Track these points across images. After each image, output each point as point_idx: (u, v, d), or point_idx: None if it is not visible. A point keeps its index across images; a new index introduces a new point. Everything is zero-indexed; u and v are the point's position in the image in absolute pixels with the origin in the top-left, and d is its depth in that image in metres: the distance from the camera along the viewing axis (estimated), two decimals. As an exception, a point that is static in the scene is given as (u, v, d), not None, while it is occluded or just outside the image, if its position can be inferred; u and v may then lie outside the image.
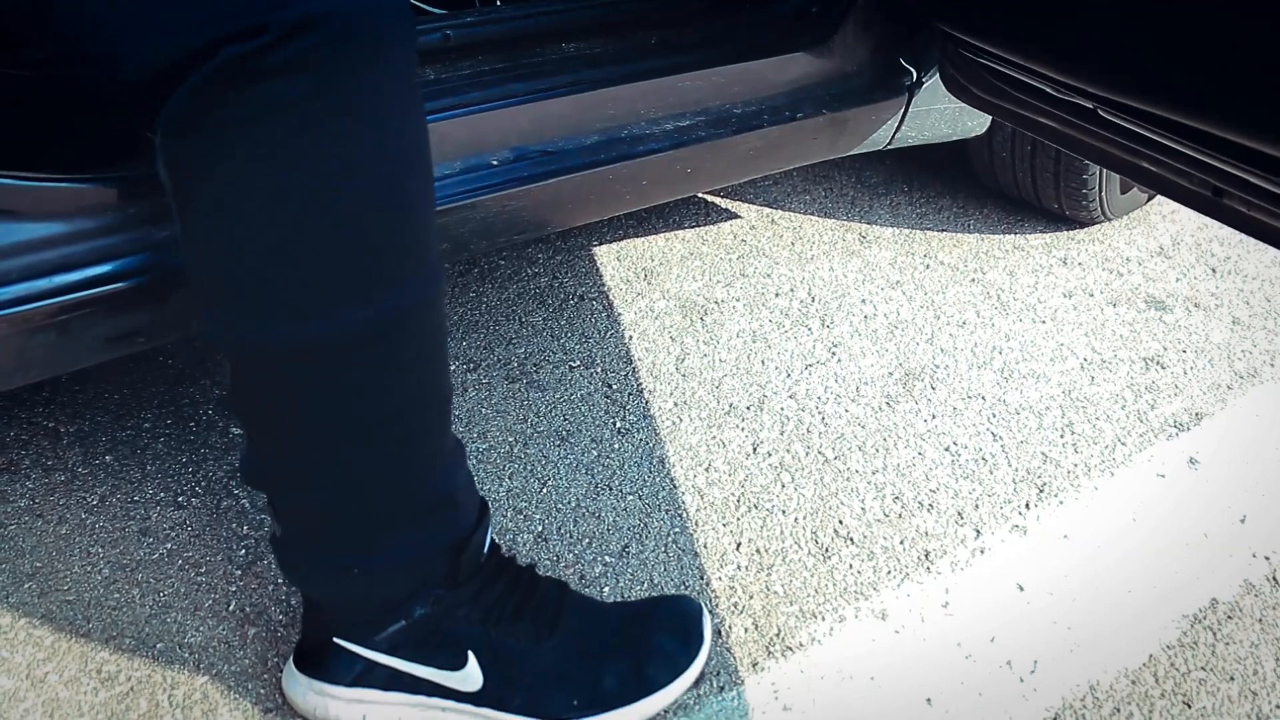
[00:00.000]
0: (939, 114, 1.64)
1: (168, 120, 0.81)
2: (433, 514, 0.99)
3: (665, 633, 1.10)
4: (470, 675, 1.03)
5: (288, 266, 0.84)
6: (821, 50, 1.48)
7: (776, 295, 1.77)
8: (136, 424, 1.45)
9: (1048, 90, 1.22)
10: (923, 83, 1.58)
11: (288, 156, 0.81)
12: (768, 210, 2.03)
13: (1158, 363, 1.67)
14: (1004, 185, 2.03)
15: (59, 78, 0.99)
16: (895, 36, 1.55)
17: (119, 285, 1.03)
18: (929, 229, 2.01)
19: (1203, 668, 1.18)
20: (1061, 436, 1.51)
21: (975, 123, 1.74)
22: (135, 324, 1.07)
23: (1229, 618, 1.24)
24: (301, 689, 1.04)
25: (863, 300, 1.78)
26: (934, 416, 1.53)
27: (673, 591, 1.23)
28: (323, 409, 0.91)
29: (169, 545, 1.26)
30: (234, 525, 1.29)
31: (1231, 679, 1.16)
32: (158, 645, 1.14)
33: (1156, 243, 2.01)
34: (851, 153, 1.58)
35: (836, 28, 1.49)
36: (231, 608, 1.18)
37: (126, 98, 0.84)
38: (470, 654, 1.03)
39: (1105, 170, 1.91)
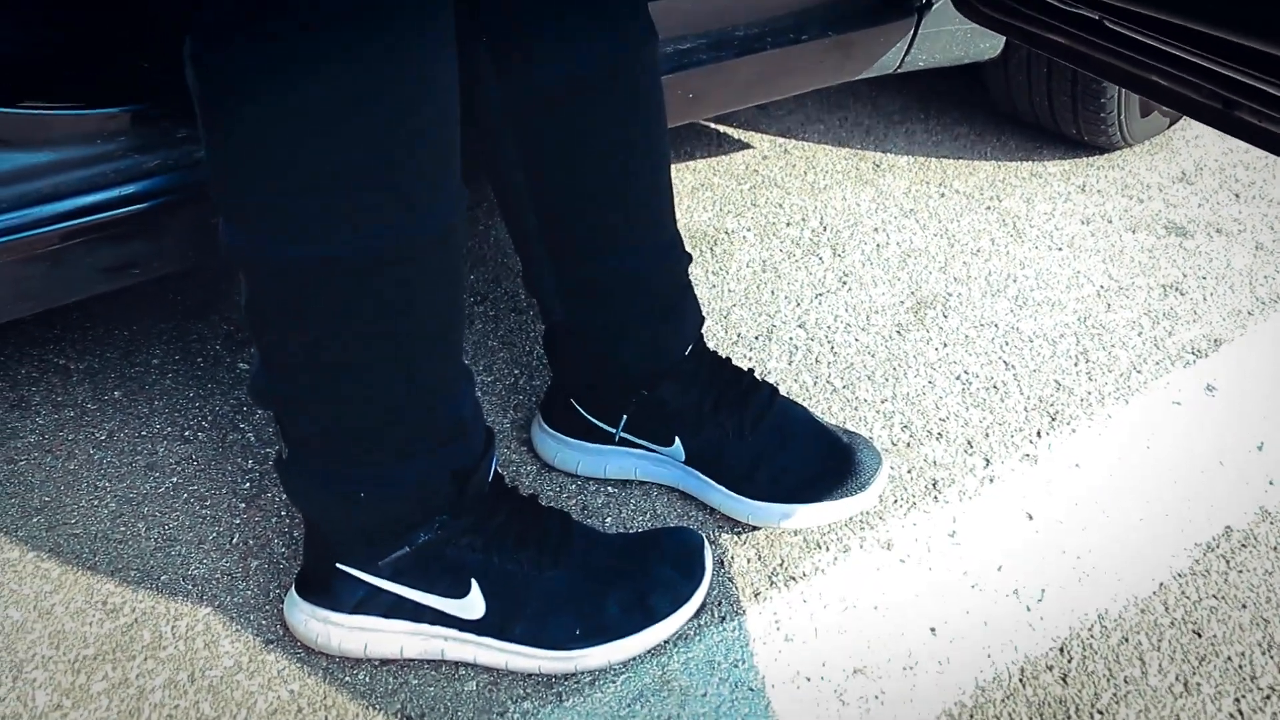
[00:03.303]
0: (949, 36, 1.60)
1: (201, 29, 0.81)
2: (441, 439, 0.99)
3: (667, 563, 1.10)
4: (472, 603, 1.03)
5: (314, 183, 0.84)
6: (829, -30, 1.44)
7: (788, 225, 1.75)
8: (145, 360, 1.45)
9: (1055, 4, 1.18)
10: (932, 3, 1.54)
11: (321, 72, 0.81)
12: (780, 140, 2.00)
13: (1177, 289, 1.64)
14: (1021, 111, 1.99)
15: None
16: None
17: (112, 214, 1.02)
18: (944, 157, 1.97)
19: (1214, 595, 1.16)
20: (1075, 364, 1.48)
21: (988, 44, 1.69)
22: (129, 255, 1.07)
23: (1243, 545, 1.22)
24: (303, 616, 1.05)
25: (875, 229, 1.75)
26: (945, 345, 1.51)
27: (675, 523, 1.22)
28: (338, 327, 0.91)
29: (175, 479, 1.26)
30: (239, 459, 1.29)
31: (1244, 606, 1.15)
32: (161, 578, 1.14)
33: (1179, 168, 1.97)
34: (859, 77, 1.55)
35: (844, -54, 1.45)
36: (235, 540, 1.19)
37: (163, 8, 0.84)
38: (473, 581, 1.03)
39: (1124, 93, 1.87)
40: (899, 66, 1.58)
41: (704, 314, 1.23)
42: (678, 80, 1.30)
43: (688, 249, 1.44)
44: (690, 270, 1.62)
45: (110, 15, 1.09)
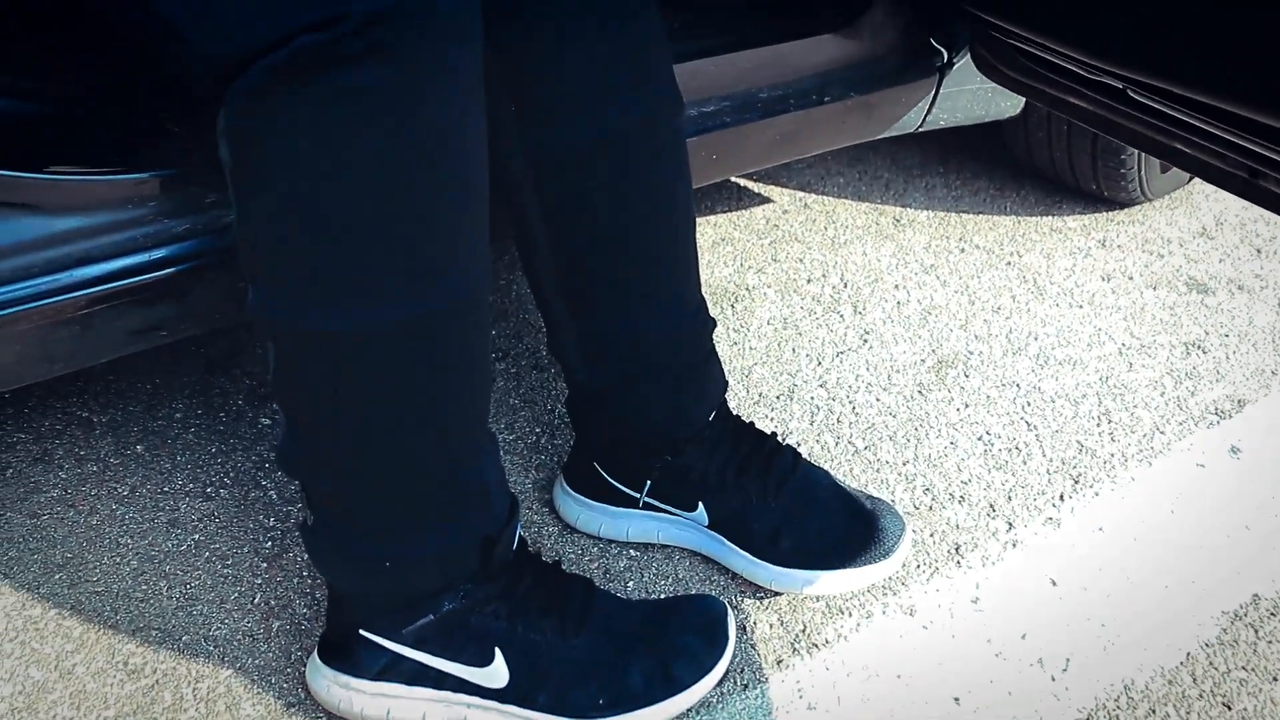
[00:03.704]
0: (971, 95, 1.61)
1: (236, 99, 0.82)
2: (466, 507, 0.99)
3: (690, 631, 1.09)
4: (496, 671, 1.03)
5: (342, 252, 0.85)
6: (850, 32, 1.45)
7: (808, 281, 1.75)
8: (168, 414, 1.45)
9: (1078, 71, 1.19)
10: (954, 63, 1.55)
11: (352, 141, 0.82)
12: (800, 194, 2.01)
13: (1199, 347, 1.64)
14: (1040, 166, 2.00)
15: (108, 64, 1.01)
16: (925, 16, 1.52)
17: (142, 279, 1.03)
18: (964, 211, 1.98)
19: (1243, 667, 1.15)
20: (1098, 425, 1.48)
21: (1009, 103, 1.70)
22: (158, 317, 1.08)
23: (1272, 614, 1.21)
24: (325, 682, 1.05)
25: (896, 286, 1.75)
26: (967, 405, 1.50)
27: (698, 587, 1.21)
28: (364, 397, 0.91)
29: (197, 536, 1.26)
30: (261, 517, 1.29)
31: (1275, 679, 1.14)
32: (183, 638, 1.14)
33: (1199, 223, 1.97)
34: (881, 136, 1.55)
35: (865, 8, 1.46)
36: (256, 600, 1.19)
37: (193, 79, 0.85)
38: (497, 650, 1.03)
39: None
40: (920, 126, 1.59)
41: (726, 375, 1.24)
42: (701, 142, 1.30)
43: (710, 307, 1.45)
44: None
45: (142, 80, 1.10)
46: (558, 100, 1.02)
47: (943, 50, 1.54)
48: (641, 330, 1.13)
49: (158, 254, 1.03)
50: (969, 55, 1.50)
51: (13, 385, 1.07)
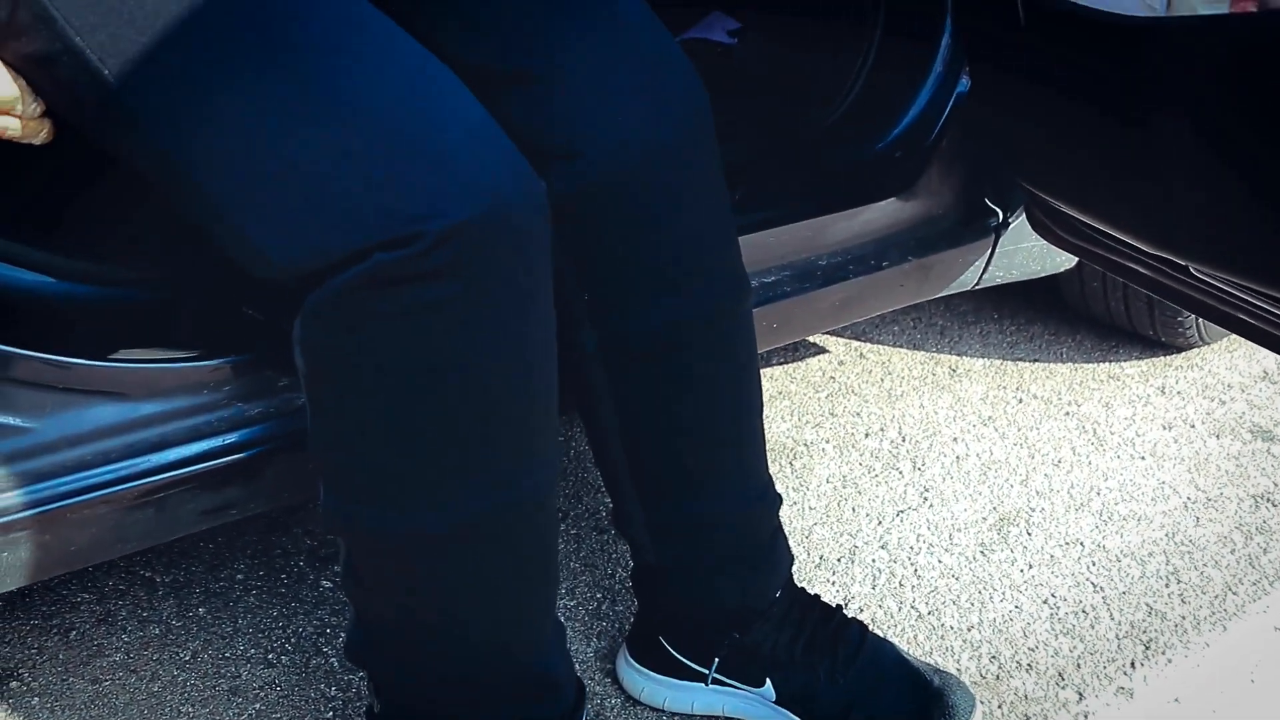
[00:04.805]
0: (1027, 252, 1.62)
1: (310, 311, 0.84)
2: (534, 699, 0.99)
3: None
4: None
5: (413, 456, 0.87)
6: (906, 196, 1.47)
7: (866, 436, 1.75)
8: (230, 575, 1.46)
9: (1137, 251, 1.20)
10: (1009, 223, 1.56)
11: (425, 351, 0.84)
12: (856, 343, 2.02)
13: (1268, 500, 1.61)
14: (1096, 313, 2.00)
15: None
16: (980, 177, 1.54)
17: (216, 463, 1.05)
18: (1020, 359, 1.98)
19: None
20: (1166, 585, 1.45)
21: (1065, 258, 1.71)
22: (229, 499, 1.09)
23: (1358, 795, 1.17)
24: None
25: (954, 439, 1.74)
26: (1030, 566, 1.48)
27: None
28: (433, 594, 0.92)
29: (258, 706, 1.26)
30: (322, 686, 1.29)
31: None
32: (245, 819, 1.13)
33: (1260, 367, 1.95)
34: (939, 295, 1.57)
35: (921, 172, 1.49)
36: (318, 778, 1.18)
37: (268, 290, 0.88)
38: None
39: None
40: (977, 283, 1.60)
41: (790, 545, 1.23)
42: (763, 312, 1.32)
43: (769, 464, 1.45)
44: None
45: (218, 267, 1.13)
46: (625, 294, 1.04)
47: (998, 210, 1.55)
48: (712, 514, 1.13)
49: (231, 438, 1.05)
50: (1024, 215, 1.51)
51: (81, 565, 1.08)
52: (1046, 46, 1.06)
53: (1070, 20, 0.99)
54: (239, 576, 1.46)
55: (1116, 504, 1.60)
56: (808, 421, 1.78)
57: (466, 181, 0.81)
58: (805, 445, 1.72)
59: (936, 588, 1.44)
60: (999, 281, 1.64)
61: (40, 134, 0.90)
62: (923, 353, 1.99)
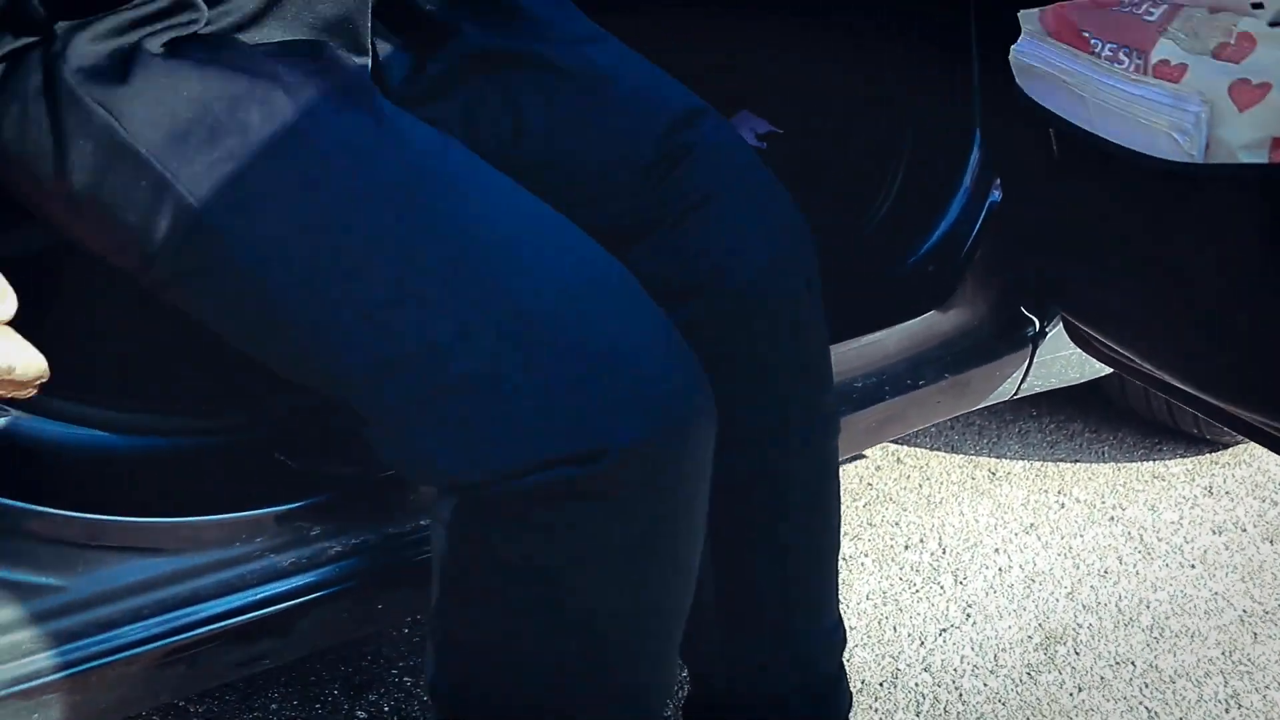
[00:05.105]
0: (1065, 361, 1.60)
1: (470, 503, 0.82)
2: None
3: None
4: None
5: (552, 652, 0.85)
6: (941, 310, 1.46)
7: (906, 548, 1.72)
8: (264, 705, 1.44)
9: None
10: (1046, 332, 1.54)
11: (588, 557, 0.82)
12: (892, 446, 1.99)
13: (1326, 611, 1.57)
14: (1138, 410, 1.96)
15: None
16: (1016, 287, 1.52)
17: (247, 617, 1.04)
18: (1061, 460, 1.94)
19: None
20: (1226, 710, 1.41)
21: (1104, 365, 1.69)
22: (263, 650, 1.08)
23: None
24: None
25: (996, 549, 1.71)
26: (1079, 689, 1.44)
27: None
28: None
29: None
30: (356, 828, 1.27)
31: None
32: None
33: (1309, 464, 1.91)
34: (977, 408, 1.54)
35: (955, 285, 1.47)
36: None
37: (405, 474, 0.89)
38: None
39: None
40: (1015, 394, 1.57)
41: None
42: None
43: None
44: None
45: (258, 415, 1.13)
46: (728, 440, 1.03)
47: (1034, 319, 1.53)
48: (791, 647, 1.12)
49: (264, 591, 1.04)
50: (1061, 324, 1.49)
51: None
52: (1080, 181, 1.05)
53: (1104, 158, 0.98)
54: (273, 706, 1.44)
55: (1168, 618, 1.56)
56: (846, 533, 1.75)
57: (651, 394, 0.79)
58: (844, 559, 1.69)
59: (983, 714, 1.41)
60: (1038, 390, 1.61)
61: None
62: (961, 455, 1.96)
